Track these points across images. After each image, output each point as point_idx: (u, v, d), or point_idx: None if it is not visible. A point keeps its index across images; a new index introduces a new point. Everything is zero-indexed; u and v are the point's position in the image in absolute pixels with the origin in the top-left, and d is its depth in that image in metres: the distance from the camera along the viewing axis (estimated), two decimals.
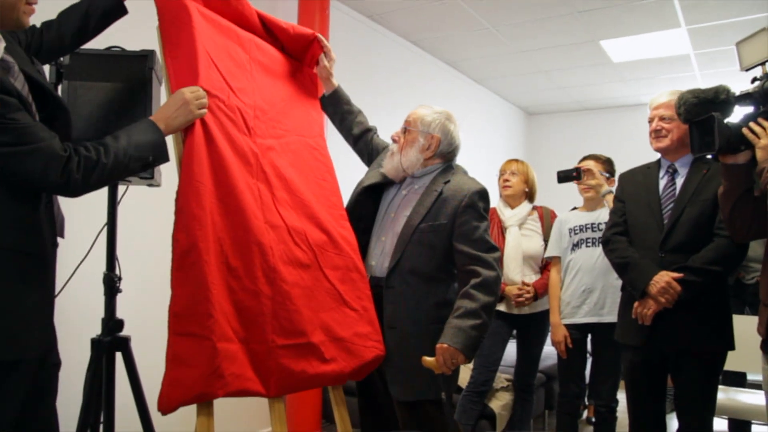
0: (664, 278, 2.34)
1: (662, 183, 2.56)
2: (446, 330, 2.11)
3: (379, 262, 2.32)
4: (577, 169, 3.16)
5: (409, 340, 2.19)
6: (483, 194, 2.29)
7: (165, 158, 1.78)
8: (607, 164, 3.41)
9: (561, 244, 3.36)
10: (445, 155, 2.40)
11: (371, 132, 2.68)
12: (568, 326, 3.27)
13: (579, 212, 3.40)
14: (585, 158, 3.44)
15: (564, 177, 3.16)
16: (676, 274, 2.34)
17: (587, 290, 3.21)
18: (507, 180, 3.57)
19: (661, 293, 2.34)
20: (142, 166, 1.72)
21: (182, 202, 1.77)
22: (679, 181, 2.51)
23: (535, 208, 3.64)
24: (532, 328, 3.53)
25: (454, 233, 2.23)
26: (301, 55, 2.52)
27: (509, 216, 3.56)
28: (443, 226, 2.24)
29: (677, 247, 2.42)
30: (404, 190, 2.40)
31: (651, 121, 2.57)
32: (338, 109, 2.68)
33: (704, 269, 2.34)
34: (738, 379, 3.81)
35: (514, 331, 3.60)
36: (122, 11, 2.02)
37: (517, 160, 3.68)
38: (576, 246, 3.29)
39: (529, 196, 3.63)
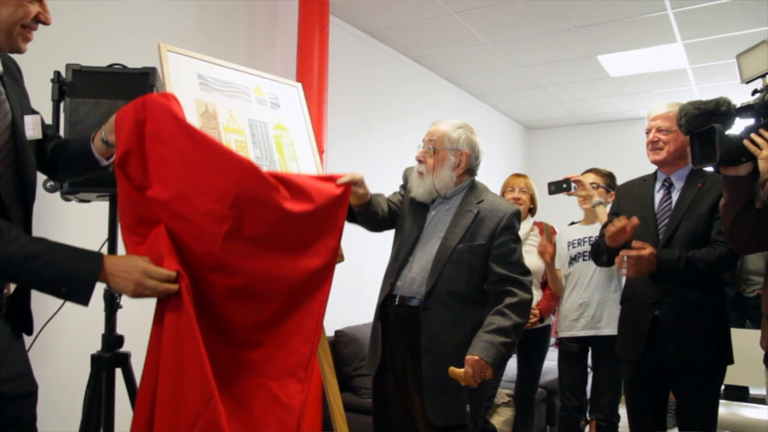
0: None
1: (658, 196, 2.56)
2: (476, 343, 2.09)
3: (412, 284, 2.25)
4: (567, 180, 3.15)
5: (446, 363, 2.11)
6: (518, 215, 2.31)
7: (82, 299, 1.41)
8: (608, 178, 3.42)
9: (561, 257, 3.38)
10: (473, 170, 2.38)
11: (387, 203, 2.45)
12: (568, 339, 3.27)
13: (578, 226, 3.42)
14: (586, 171, 3.45)
15: (555, 189, 3.15)
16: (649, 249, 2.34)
17: (584, 304, 3.22)
18: (518, 198, 3.60)
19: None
20: (50, 290, 1.40)
21: None
22: (675, 195, 2.51)
23: (535, 223, 3.65)
24: (532, 343, 3.53)
25: (491, 254, 2.22)
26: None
27: None
28: (481, 246, 2.22)
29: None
30: (433, 211, 2.35)
31: (648, 132, 2.57)
32: (370, 217, 2.37)
33: (691, 259, 2.32)
34: (740, 394, 3.79)
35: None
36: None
37: (524, 176, 3.71)
38: (573, 260, 3.30)
39: (532, 211, 3.66)
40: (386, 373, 2.30)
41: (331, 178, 1.98)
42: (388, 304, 2.30)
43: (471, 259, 2.23)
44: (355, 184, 2.10)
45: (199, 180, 1.54)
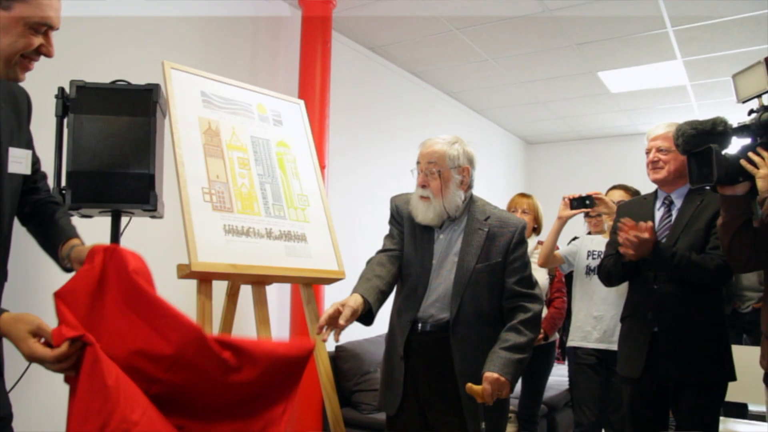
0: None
1: (659, 214, 2.57)
2: (494, 359, 2.06)
3: (435, 311, 2.21)
4: (589, 197, 3.09)
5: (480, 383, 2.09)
6: (526, 228, 2.31)
7: None
8: (635, 195, 3.40)
9: (572, 254, 3.37)
10: (472, 184, 2.34)
11: (390, 261, 2.31)
12: (584, 351, 3.27)
13: (601, 237, 3.38)
14: (613, 188, 3.44)
15: (577, 204, 3.10)
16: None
17: (598, 317, 3.22)
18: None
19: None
20: None
21: None
22: (675, 213, 2.53)
23: (539, 242, 3.66)
24: (536, 359, 3.53)
25: (506, 270, 2.21)
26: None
27: None
28: (498, 264, 2.20)
29: (670, 278, 2.42)
30: (442, 235, 2.27)
31: (648, 152, 2.59)
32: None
33: (688, 259, 2.32)
34: (739, 411, 3.78)
35: None
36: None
37: (528, 196, 3.72)
38: (592, 271, 3.28)
39: (537, 230, 3.68)
40: (409, 411, 2.24)
41: (298, 344, 1.70)
42: (410, 338, 2.23)
43: (490, 277, 2.20)
44: (332, 324, 1.99)
45: (137, 336, 1.41)
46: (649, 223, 2.37)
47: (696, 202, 2.47)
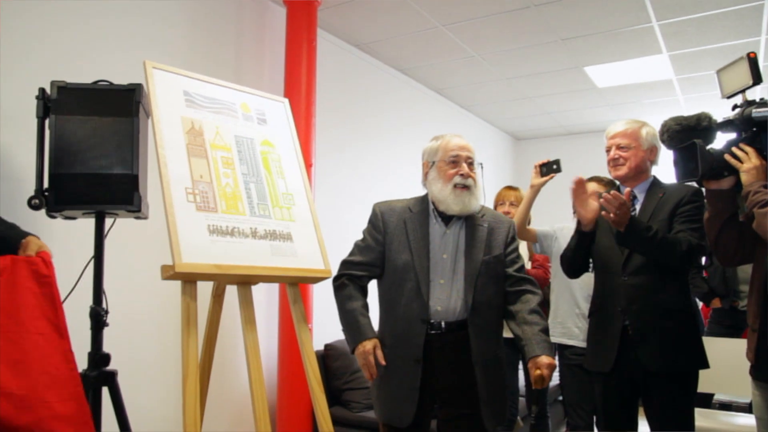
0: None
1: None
2: (539, 342, 2.19)
3: (448, 306, 2.25)
4: (557, 161, 3.10)
5: (492, 372, 2.26)
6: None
7: None
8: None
9: (546, 236, 3.37)
10: None
11: (365, 269, 2.38)
12: (571, 352, 3.27)
13: None
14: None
15: (547, 170, 3.11)
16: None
17: (580, 314, 3.22)
18: (508, 212, 3.64)
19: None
20: None
21: None
22: (639, 207, 2.54)
23: None
24: None
25: (506, 261, 2.36)
26: None
27: None
28: (500, 256, 2.34)
29: (639, 269, 2.44)
30: (449, 230, 2.34)
31: (608, 150, 2.60)
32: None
33: (664, 236, 2.33)
34: (705, 400, 3.76)
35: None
36: None
37: (515, 189, 3.74)
38: None
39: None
40: (426, 415, 2.28)
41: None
42: (428, 339, 2.23)
43: (496, 269, 2.32)
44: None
45: None
46: (627, 190, 2.45)
47: (658, 194, 2.50)
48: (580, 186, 2.46)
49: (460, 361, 2.23)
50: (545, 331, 2.22)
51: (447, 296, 2.25)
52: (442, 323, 2.23)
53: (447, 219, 2.34)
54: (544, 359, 2.13)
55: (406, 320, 2.25)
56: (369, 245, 2.37)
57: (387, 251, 2.34)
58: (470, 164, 2.35)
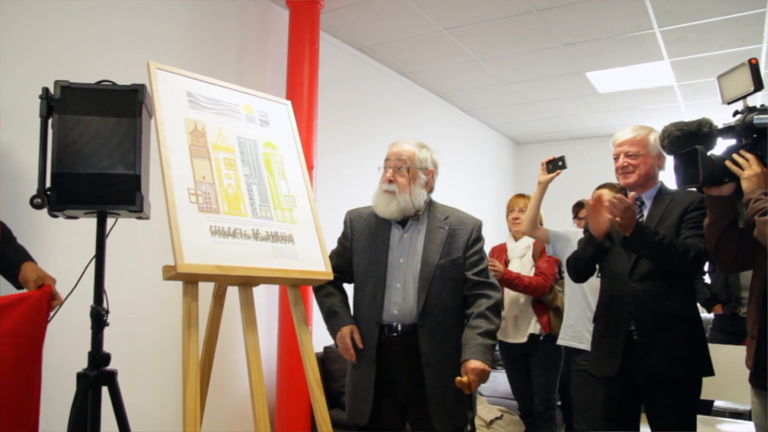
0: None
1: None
2: (473, 346, 2.19)
3: (404, 308, 2.33)
4: (562, 158, 3.17)
5: (445, 374, 2.25)
6: (482, 226, 2.47)
7: None
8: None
9: (559, 237, 3.38)
10: (433, 188, 2.49)
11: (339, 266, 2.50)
12: (581, 358, 3.26)
13: None
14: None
15: (553, 167, 3.18)
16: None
17: (592, 318, 3.23)
18: (517, 218, 3.77)
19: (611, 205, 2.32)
20: None
21: None
22: (646, 213, 2.55)
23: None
24: (543, 352, 3.58)
25: (466, 264, 2.36)
26: None
27: (512, 249, 3.79)
28: (459, 259, 2.35)
29: (645, 275, 2.43)
30: (406, 234, 2.41)
31: (616, 158, 2.61)
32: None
33: (671, 240, 2.32)
34: (705, 407, 3.75)
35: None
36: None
37: (524, 196, 3.83)
38: None
39: None
40: (385, 415, 2.35)
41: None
42: (381, 340, 2.34)
43: (453, 272, 2.34)
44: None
45: None
46: (632, 194, 2.45)
47: (666, 201, 2.50)
48: (598, 203, 2.46)
49: (412, 363, 2.28)
50: (486, 334, 2.23)
51: (403, 299, 2.32)
52: (398, 326, 2.31)
53: (404, 223, 2.41)
54: (471, 363, 2.16)
55: (365, 323, 2.37)
56: (338, 251, 2.54)
57: (353, 257, 2.47)
58: (398, 169, 2.38)
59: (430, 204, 2.46)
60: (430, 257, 2.32)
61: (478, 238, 2.41)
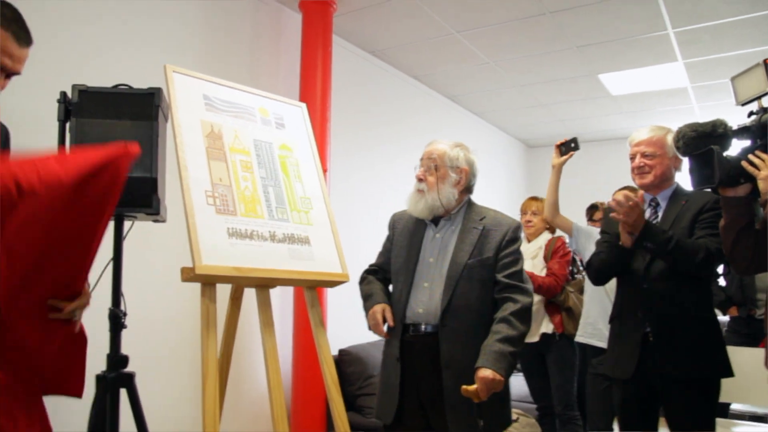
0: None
1: (645, 215, 2.57)
2: (487, 353, 2.11)
3: (429, 307, 2.28)
4: (575, 139, 3.16)
5: (465, 377, 2.13)
6: (520, 228, 2.40)
7: None
8: None
9: (583, 232, 3.37)
10: (470, 187, 2.44)
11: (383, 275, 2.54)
12: (598, 351, 3.26)
13: None
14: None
15: (565, 149, 3.17)
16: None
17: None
18: (529, 221, 3.81)
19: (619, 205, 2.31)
20: None
21: None
22: (661, 213, 2.54)
23: (552, 238, 3.75)
24: (559, 351, 3.58)
25: (497, 265, 2.28)
26: None
27: (524, 250, 3.72)
28: (490, 259, 2.28)
29: (659, 275, 2.42)
30: (438, 234, 2.38)
31: (633, 157, 2.59)
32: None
33: (680, 240, 2.31)
34: (721, 410, 3.73)
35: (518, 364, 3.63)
36: None
37: (538, 199, 3.86)
38: None
39: (551, 229, 3.82)
40: (409, 415, 2.30)
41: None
42: (405, 339, 2.31)
43: (482, 273, 2.26)
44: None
45: None
46: (640, 193, 2.43)
47: (681, 202, 2.49)
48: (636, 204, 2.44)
49: (434, 364, 2.24)
50: (505, 340, 2.12)
51: (429, 298, 2.28)
52: (422, 325, 2.28)
53: (437, 222, 2.39)
54: (481, 372, 2.07)
55: (395, 320, 2.33)
56: (381, 251, 2.56)
57: (391, 256, 2.47)
58: (429, 168, 2.36)
59: (468, 205, 2.42)
60: (459, 257, 2.27)
61: (514, 239, 2.32)
